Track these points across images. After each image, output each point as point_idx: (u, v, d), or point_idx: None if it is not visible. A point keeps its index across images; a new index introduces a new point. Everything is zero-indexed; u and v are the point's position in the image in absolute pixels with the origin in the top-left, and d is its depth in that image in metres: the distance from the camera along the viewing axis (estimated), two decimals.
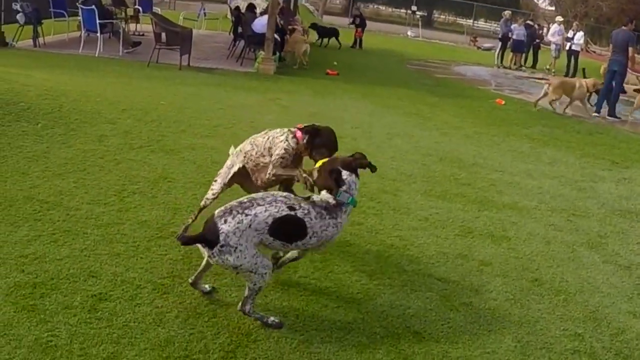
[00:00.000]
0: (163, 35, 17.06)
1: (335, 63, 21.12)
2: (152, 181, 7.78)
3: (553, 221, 8.47)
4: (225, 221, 4.54)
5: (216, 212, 4.67)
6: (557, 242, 7.72)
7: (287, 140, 5.75)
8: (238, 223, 4.54)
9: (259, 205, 4.66)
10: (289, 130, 5.83)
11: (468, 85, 21.68)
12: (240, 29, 20.68)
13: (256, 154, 5.86)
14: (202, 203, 6.10)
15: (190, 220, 6.10)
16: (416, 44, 40.03)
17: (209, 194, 6.04)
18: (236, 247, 4.52)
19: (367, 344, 4.96)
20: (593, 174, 11.52)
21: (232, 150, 6.26)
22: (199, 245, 4.70)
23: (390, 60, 26.35)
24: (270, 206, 4.68)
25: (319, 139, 5.70)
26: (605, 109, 18.56)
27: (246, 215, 4.58)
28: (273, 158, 5.77)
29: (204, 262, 5.00)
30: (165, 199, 7.24)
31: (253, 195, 4.90)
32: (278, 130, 5.91)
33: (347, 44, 30.20)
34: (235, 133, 10.51)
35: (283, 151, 5.73)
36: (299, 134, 5.74)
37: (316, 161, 5.46)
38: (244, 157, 5.94)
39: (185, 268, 5.66)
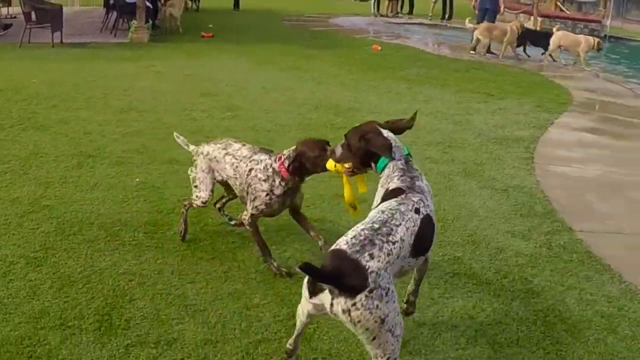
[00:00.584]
0: (33, 14, 16.43)
1: (210, 25, 20.78)
2: (23, 158, 7.53)
3: (429, 154, 8.64)
4: (372, 256, 3.38)
5: (343, 244, 3.48)
6: (433, 173, 7.85)
7: (270, 186, 4.99)
8: (388, 255, 3.46)
9: (397, 225, 3.63)
10: (272, 163, 5.03)
11: (345, 35, 21.74)
12: (112, 0, 20.09)
13: (239, 184, 5.21)
14: (193, 205, 5.55)
15: (181, 226, 5.64)
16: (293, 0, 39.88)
17: (198, 202, 5.48)
18: (388, 289, 3.39)
19: (243, 290, 4.96)
20: (469, 107, 11.80)
21: (181, 140, 5.74)
22: (320, 298, 3.46)
23: (267, 18, 26.09)
24: (405, 222, 3.69)
25: (306, 157, 4.88)
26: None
27: (393, 243, 3.52)
28: (250, 206, 5.12)
29: (305, 319, 3.74)
30: (37, 174, 7.03)
31: (375, 212, 3.81)
32: (261, 158, 5.10)
33: (229, 7, 29.78)
34: (107, 103, 10.32)
35: (263, 205, 5.05)
36: (283, 170, 4.96)
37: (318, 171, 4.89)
38: (227, 176, 5.34)
39: (58, 239, 5.56)
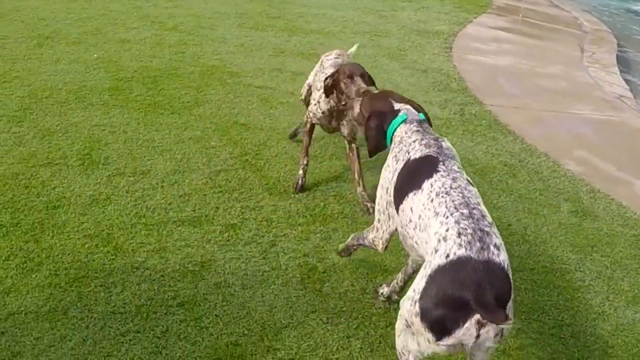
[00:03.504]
0: None
1: None
2: None
3: (357, 40, 9.38)
4: (497, 247, 2.75)
5: (464, 250, 2.69)
6: (360, 55, 8.59)
7: (319, 97, 4.91)
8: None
9: (478, 204, 2.98)
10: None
11: None
12: None
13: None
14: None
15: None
16: None
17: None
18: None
19: (202, 135, 5.77)
20: (394, 4, 12.59)
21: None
22: (457, 336, 2.67)
23: None
24: (476, 197, 3.06)
25: (335, 79, 4.62)
26: None
27: (492, 224, 2.88)
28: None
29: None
30: (1, 53, 7.39)
31: (429, 197, 3.04)
32: (327, 71, 4.98)
33: None
34: None
35: (312, 112, 5.02)
36: None
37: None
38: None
39: (33, 102, 6.17)
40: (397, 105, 3.63)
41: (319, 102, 4.87)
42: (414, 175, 3.19)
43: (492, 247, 2.68)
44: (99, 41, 8.02)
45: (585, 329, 4.05)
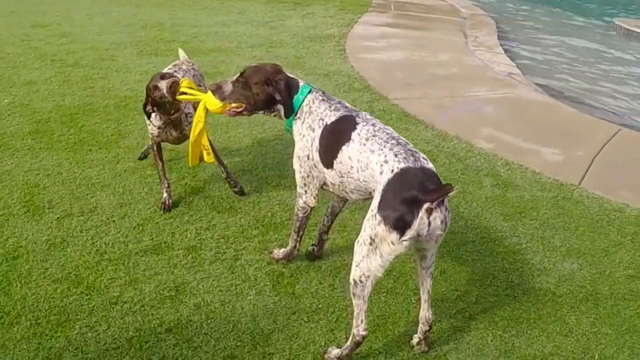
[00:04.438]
0: None
1: None
2: None
3: (255, 53, 9.71)
4: (427, 160, 3.55)
5: (400, 162, 3.41)
6: None
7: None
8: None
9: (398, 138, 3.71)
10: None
11: None
12: None
13: None
14: None
15: None
16: None
17: None
18: None
19: (135, 166, 5.84)
20: (280, 14, 12.91)
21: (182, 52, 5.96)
22: (413, 229, 3.25)
23: None
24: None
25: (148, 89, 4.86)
26: None
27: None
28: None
29: (381, 273, 3.49)
30: None
31: (362, 142, 3.70)
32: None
33: None
34: None
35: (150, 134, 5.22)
36: None
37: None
38: None
39: None
40: (292, 75, 4.09)
41: (151, 121, 4.96)
42: (339, 133, 3.75)
43: (422, 159, 3.43)
44: (4, 86, 7.91)
45: (534, 285, 4.52)
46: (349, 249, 4.62)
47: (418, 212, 3.17)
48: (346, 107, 3.92)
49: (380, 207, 3.28)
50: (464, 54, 10.61)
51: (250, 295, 4.17)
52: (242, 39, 10.65)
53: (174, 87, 4.54)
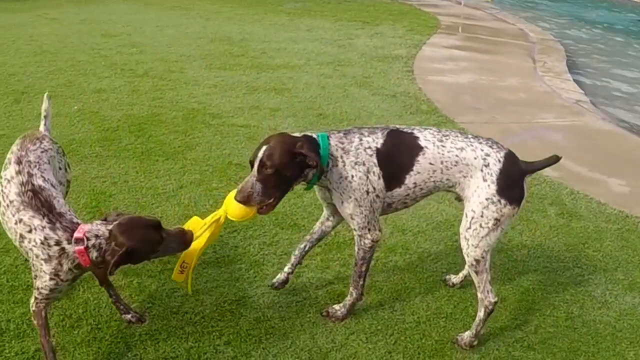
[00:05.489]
0: None
1: None
2: None
3: (323, 72, 9.76)
4: None
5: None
6: (330, 86, 9.01)
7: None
8: None
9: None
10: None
11: None
12: None
13: None
14: None
15: None
16: None
17: None
18: None
19: (202, 179, 5.92)
20: (349, 33, 13.00)
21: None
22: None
23: None
24: None
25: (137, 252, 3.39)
26: None
27: None
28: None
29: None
30: None
31: None
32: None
33: None
34: (19, 48, 10.47)
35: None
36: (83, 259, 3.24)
37: None
38: None
39: None
40: (297, 134, 3.69)
41: (57, 274, 3.29)
42: (402, 148, 3.75)
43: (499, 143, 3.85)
44: (74, 93, 8.14)
45: (594, 318, 4.39)
46: (411, 271, 4.68)
47: (523, 182, 3.78)
48: (373, 127, 3.85)
49: (499, 193, 3.66)
50: (532, 79, 10.50)
51: (310, 313, 4.16)
52: (311, 56, 10.73)
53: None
